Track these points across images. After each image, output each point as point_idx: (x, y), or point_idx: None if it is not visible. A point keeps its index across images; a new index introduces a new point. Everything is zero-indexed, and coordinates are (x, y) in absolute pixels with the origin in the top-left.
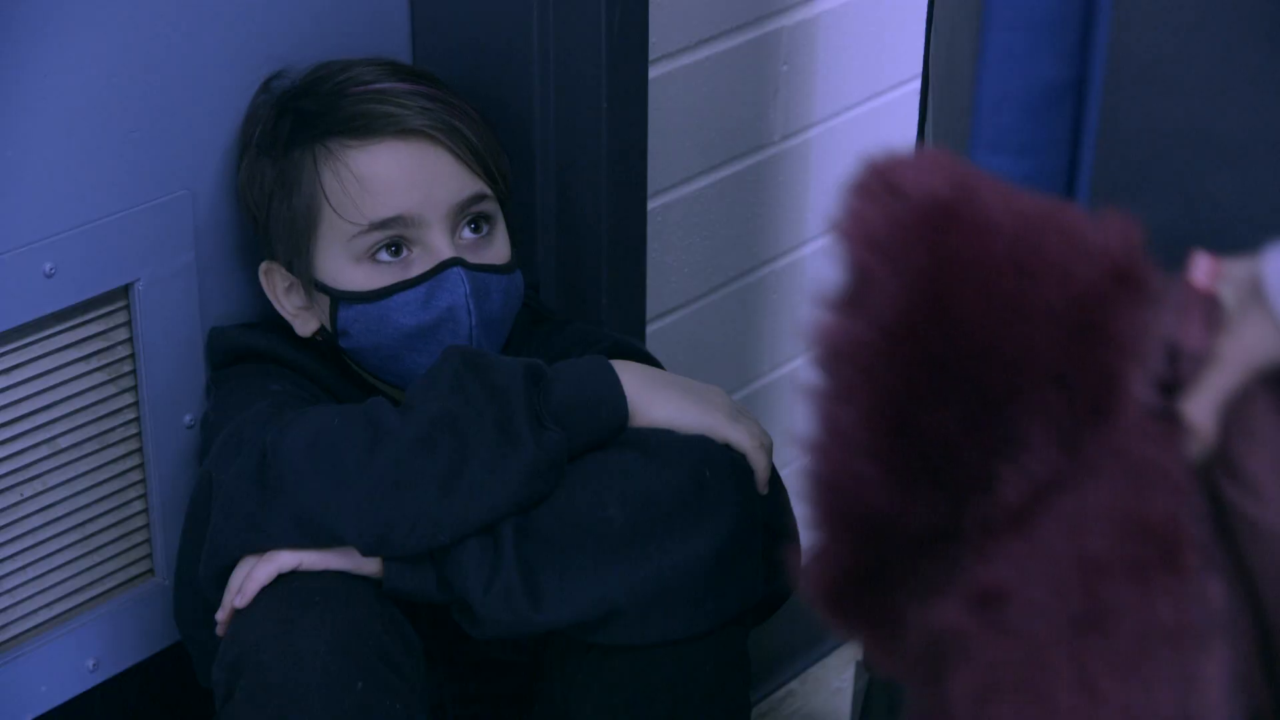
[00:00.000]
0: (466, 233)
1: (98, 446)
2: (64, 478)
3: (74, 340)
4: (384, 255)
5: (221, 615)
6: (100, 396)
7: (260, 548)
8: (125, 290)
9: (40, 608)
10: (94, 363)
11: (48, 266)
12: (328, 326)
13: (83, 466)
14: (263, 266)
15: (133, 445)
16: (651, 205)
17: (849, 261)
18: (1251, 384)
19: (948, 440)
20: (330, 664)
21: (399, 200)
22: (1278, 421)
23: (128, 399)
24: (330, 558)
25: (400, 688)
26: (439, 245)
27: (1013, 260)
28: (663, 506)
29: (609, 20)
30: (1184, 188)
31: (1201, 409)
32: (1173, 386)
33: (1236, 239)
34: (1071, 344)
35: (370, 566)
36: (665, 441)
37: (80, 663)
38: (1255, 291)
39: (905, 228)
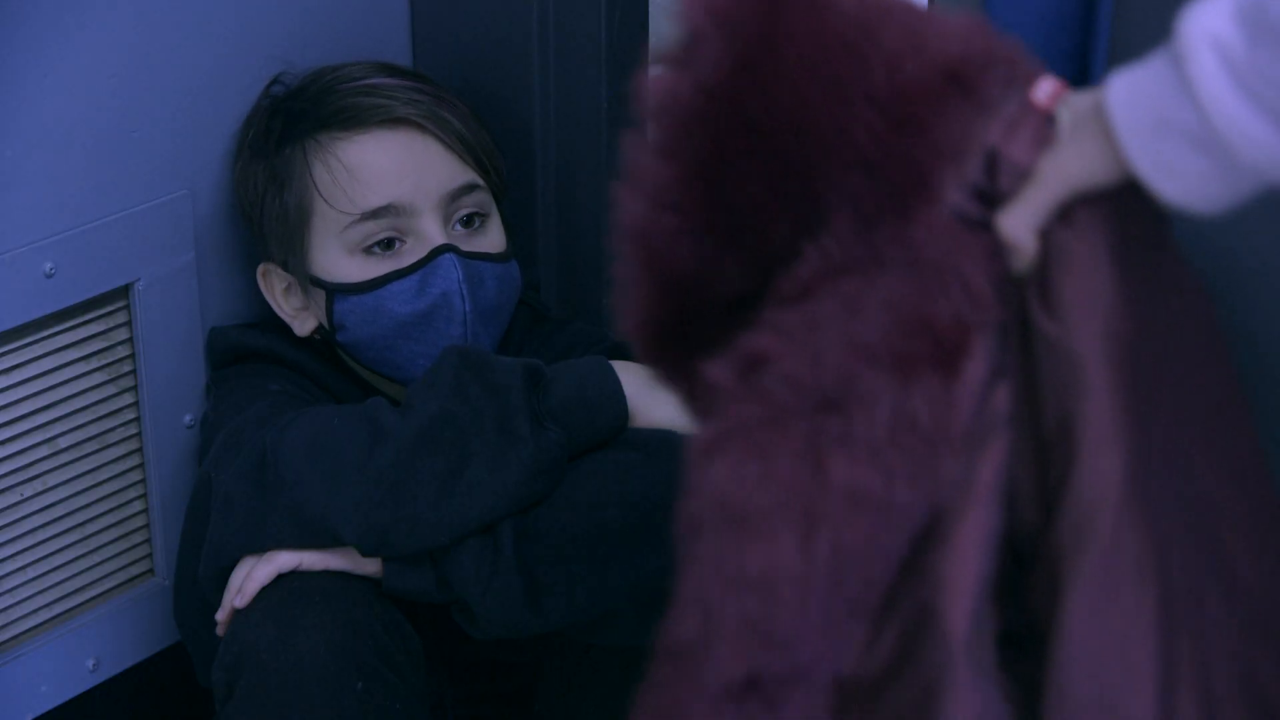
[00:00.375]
0: (459, 227)
1: (98, 446)
2: (64, 478)
3: (74, 340)
4: (377, 250)
5: (221, 615)
6: (100, 396)
7: (260, 548)
8: (125, 290)
9: (40, 608)
10: (94, 363)
11: (48, 266)
12: (324, 322)
13: (83, 466)
14: (260, 268)
15: (133, 445)
16: None
17: (685, 20)
18: (1079, 210)
19: (755, 208)
20: (330, 664)
21: (390, 189)
22: (1096, 250)
23: (128, 399)
24: (330, 558)
25: (400, 688)
26: (431, 233)
27: (845, 42)
28: (662, 507)
29: (609, 20)
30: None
31: (1017, 224)
32: (994, 199)
33: (1236, 238)
34: (888, 134)
35: (370, 567)
36: (665, 442)
37: (80, 663)
38: (1093, 115)
39: None
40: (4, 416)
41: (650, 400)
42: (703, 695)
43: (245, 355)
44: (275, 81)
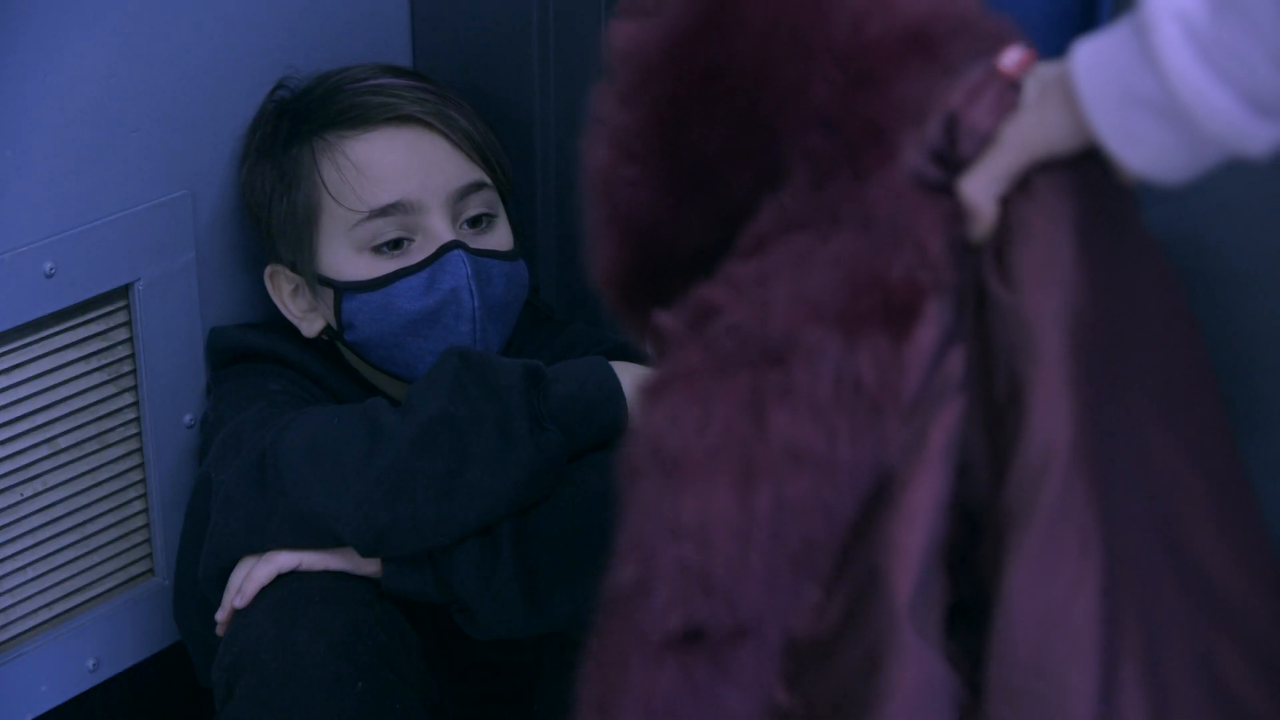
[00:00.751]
0: (467, 227)
1: (98, 446)
2: (64, 478)
3: (74, 340)
4: (386, 250)
5: (221, 615)
6: (100, 396)
7: (260, 548)
8: (125, 290)
9: (40, 608)
10: (94, 363)
11: (48, 266)
12: (332, 322)
13: (83, 466)
14: (268, 270)
15: (133, 445)
16: None
17: None
18: (1039, 180)
19: (714, 160)
20: (329, 664)
21: (398, 186)
22: (1057, 221)
23: (128, 399)
24: (329, 558)
25: (399, 688)
26: (439, 230)
27: None
28: None
29: (609, 20)
30: (1183, 187)
31: (977, 188)
32: (954, 163)
33: (1236, 238)
34: (847, 91)
35: (370, 567)
36: None
37: (80, 662)
38: (1058, 83)
39: None
40: (4, 416)
41: None
42: (644, 644)
43: (246, 355)
44: (280, 86)
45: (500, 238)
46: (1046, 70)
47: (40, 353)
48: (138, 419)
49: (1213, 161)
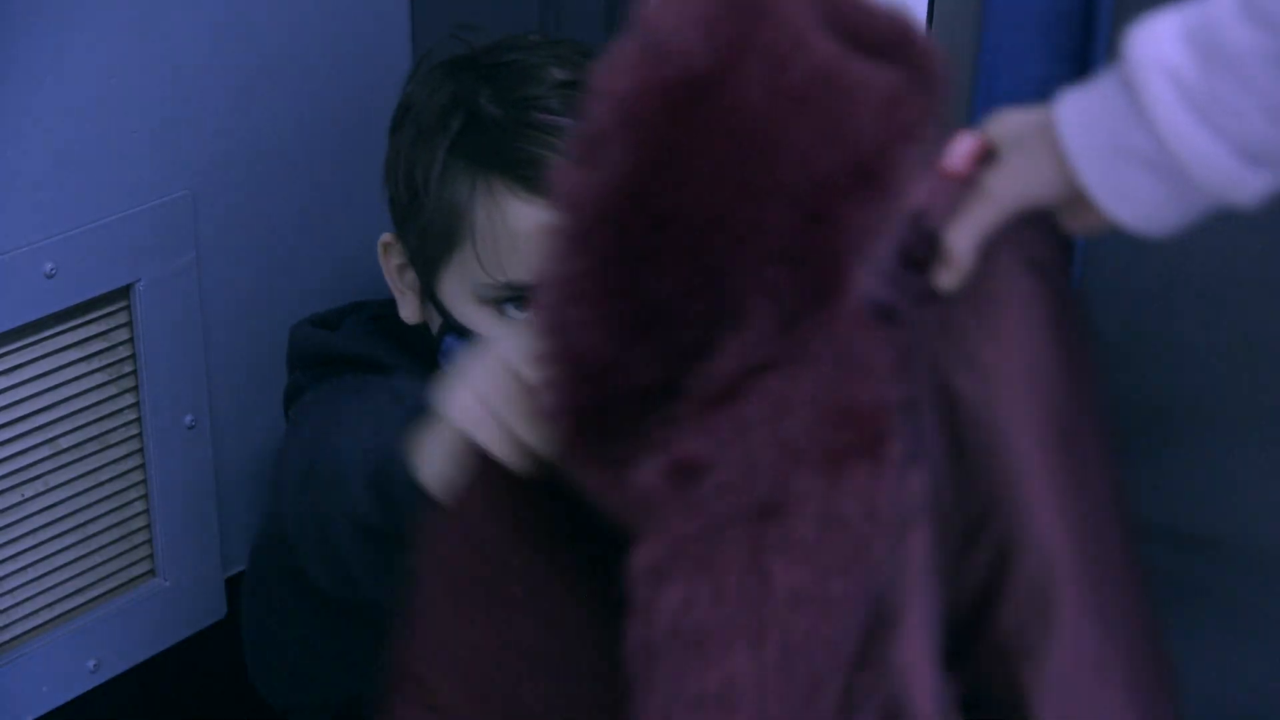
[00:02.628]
0: None
1: (98, 447)
2: (65, 478)
3: (75, 340)
4: (511, 309)
5: None
6: (101, 397)
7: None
8: (126, 290)
9: (41, 608)
10: (95, 363)
11: (48, 267)
12: (432, 335)
13: (84, 467)
14: (383, 239)
15: (134, 445)
16: None
17: (590, 116)
18: (1010, 279)
19: (665, 301)
20: None
21: None
22: (1029, 320)
23: (128, 399)
24: None
25: None
26: None
27: (754, 140)
28: None
29: (609, 21)
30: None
31: (962, 238)
32: (922, 262)
33: (1234, 238)
34: (803, 228)
35: None
36: None
37: (81, 663)
38: (1040, 134)
39: (650, 93)
40: (5, 417)
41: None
42: None
43: (335, 361)
44: (454, 35)
45: None
46: (1020, 118)
47: (41, 353)
48: (139, 419)
49: (1201, 212)
